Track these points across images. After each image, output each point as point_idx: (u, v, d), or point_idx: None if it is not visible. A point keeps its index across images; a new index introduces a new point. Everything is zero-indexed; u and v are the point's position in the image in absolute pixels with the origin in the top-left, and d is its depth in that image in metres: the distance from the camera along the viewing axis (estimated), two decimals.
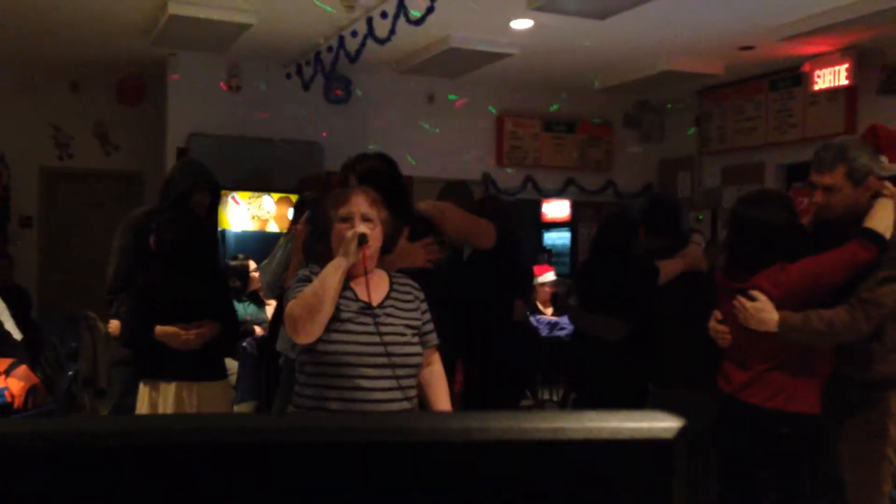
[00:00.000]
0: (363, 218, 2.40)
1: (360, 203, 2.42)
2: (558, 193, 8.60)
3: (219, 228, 6.77)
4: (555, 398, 6.36)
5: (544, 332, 6.07)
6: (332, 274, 2.31)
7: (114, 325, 3.66)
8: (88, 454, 0.64)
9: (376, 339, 2.35)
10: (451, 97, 7.90)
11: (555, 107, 8.34)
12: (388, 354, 2.35)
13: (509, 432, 0.50)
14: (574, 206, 8.88)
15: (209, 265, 3.50)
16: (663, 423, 0.49)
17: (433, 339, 2.56)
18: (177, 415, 3.11)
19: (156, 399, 3.31)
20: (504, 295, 4.01)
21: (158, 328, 3.26)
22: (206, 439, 0.65)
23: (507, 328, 3.97)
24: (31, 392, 3.41)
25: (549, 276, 6.56)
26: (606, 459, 0.50)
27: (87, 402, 6.51)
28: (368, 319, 2.36)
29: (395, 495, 0.54)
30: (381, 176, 3.28)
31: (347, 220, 2.40)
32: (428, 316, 2.54)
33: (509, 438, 0.50)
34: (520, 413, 0.52)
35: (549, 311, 6.47)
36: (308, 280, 2.39)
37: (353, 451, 0.55)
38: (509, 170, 8.27)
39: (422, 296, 2.54)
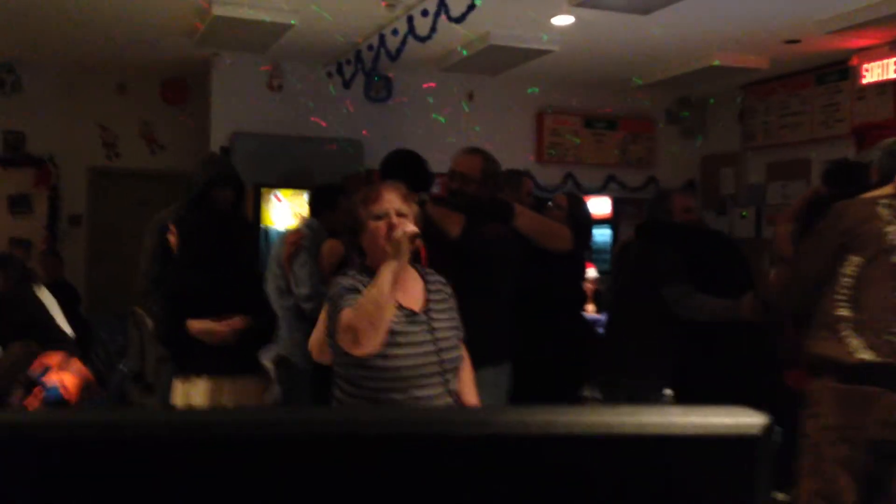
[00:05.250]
0: (398, 214, 2.27)
1: (393, 199, 2.30)
2: (599, 190, 8.54)
3: (261, 226, 6.88)
4: (597, 395, 6.31)
5: None
6: (388, 280, 2.16)
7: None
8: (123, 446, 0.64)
9: (430, 347, 2.28)
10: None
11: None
12: (440, 362, 2.28)
13: (593, 427, 0.51)
14: (615, 203, 8.82)
15: (236, 260, 3.42)
16: (749, 420, 0.50)
17: (461, 331, 2.47)
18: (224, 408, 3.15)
19: (189, 394, 3.29)
20: (565, 296, 4.05)
21: (194, 324, 3.22)
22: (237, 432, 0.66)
23: (562, 329, 4.01)
24: (85, 387, 3.48)
25: (590, 272, 6.51)
26: (691, 455, 0.50)
27: (135, 398, 6.63)
28: (417, 328, 2.28)
29: (480, 488, 0.55)
30: (402, 165, 3.29)
31: (381, 217, 2.27)
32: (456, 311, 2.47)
33: (593, 433, 0.51)
34: (604, 408, 0.52)
35: (591, 307, 6.43)
36: (355, 289, 2.24)
37: (437, 445, 0.56)
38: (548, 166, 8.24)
39: (450, 290, 2.46)
